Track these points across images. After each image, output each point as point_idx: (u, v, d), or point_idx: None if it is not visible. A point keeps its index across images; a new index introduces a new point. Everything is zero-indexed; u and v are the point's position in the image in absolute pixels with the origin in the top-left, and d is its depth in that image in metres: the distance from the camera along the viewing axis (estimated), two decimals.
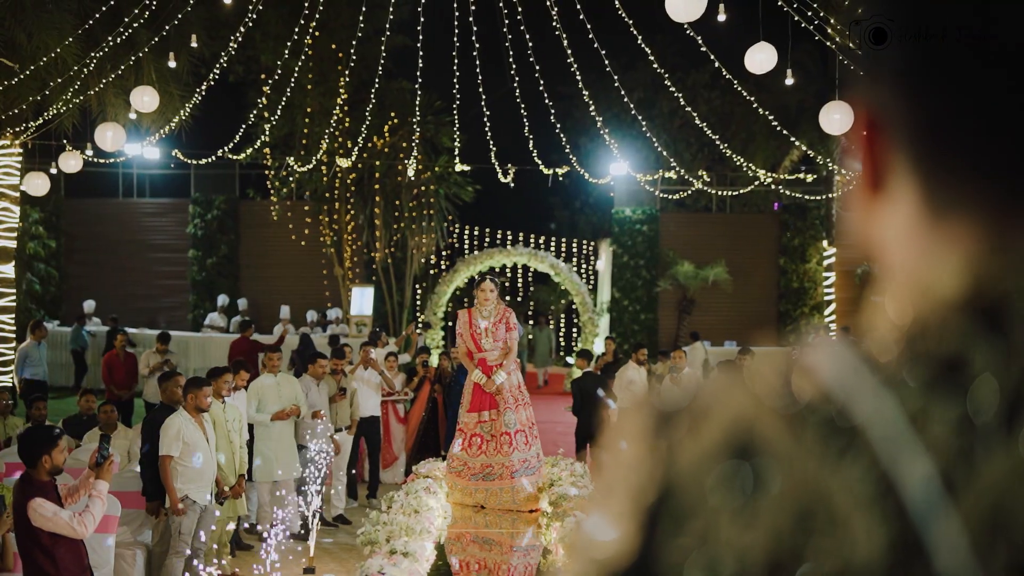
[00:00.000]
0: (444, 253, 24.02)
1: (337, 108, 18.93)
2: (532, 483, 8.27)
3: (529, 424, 8.49)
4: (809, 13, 12.43)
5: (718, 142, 17.46)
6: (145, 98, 11.84)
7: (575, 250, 25.45)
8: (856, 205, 0.72)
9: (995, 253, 0.63)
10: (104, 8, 12.79)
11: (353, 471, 11.08)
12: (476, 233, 24.67)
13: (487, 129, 16.96)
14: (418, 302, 23.31)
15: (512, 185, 18.65)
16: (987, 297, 0.61)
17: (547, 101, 16.15)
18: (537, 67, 15.43)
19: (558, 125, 16.97)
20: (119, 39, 12.90)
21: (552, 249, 24.19)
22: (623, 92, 16.79)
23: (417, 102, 17.85)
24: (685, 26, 11.85)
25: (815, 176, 21.76)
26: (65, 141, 15.90)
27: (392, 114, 21.38)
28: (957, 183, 0.66)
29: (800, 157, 22.15)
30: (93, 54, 12.90)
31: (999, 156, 0.64)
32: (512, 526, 7.84)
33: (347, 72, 18.18)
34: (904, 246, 0.68)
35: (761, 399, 0.60)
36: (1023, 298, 0.61)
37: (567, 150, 17.91)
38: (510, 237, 24.09)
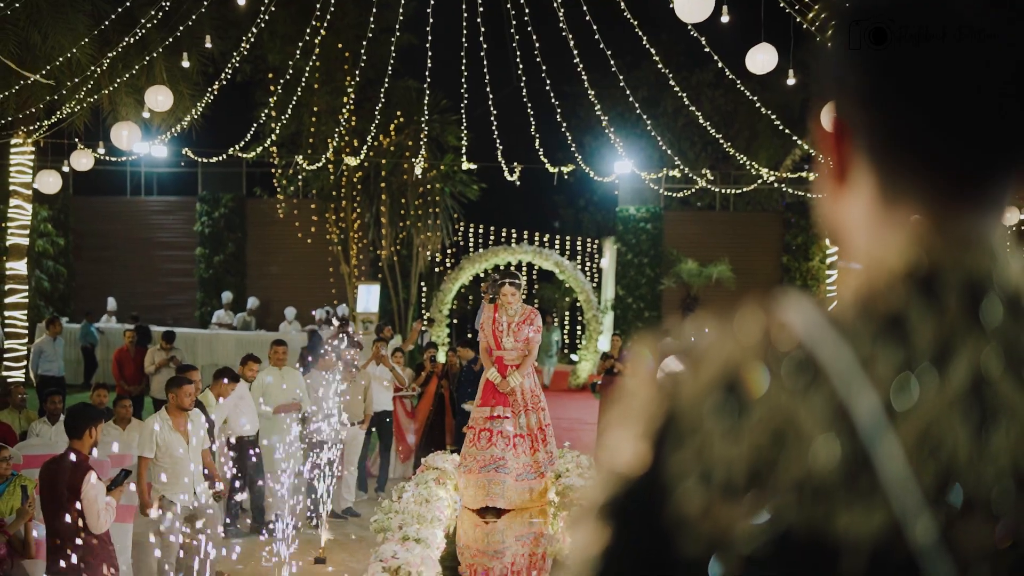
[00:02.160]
0: (449, 251, 24.12)
1: (344, 107, 19.05)
2: (537, 484, 8.22)
3: (539, 427, 8.29)
4: (811, 15, 12.56)
5: (722, 141, 17.56)
6: (160, 97, 12.02)
7: (579, 248, 25.53)
8: (824, 194, 0.89)
9: (933, 235, 0.80)
10: (120, 9, 12.94)
11: (363, 465, 11.25)
12: (481, 231, 24.75)
13: (493, 128, 17.06)
14: (424, 299, 23.43)
15: (517, 183, 18.73)
16: (925, 269, 0.78)
17: (553, 100, 16.25)
18: (543, 66, 15.55)
19: (563, 124, 17.07)
20: (132, 39, 13.05)
21: (557, 247, 24.25)
22: (628, 91, 16.92)
23: (425, 101, 17.94)
24: (689, 26, 11.97)
25: (818, 174, 21.80)
26: (77, 139, 16.04)
27: (399, 113, 21.48)
28: (904, 179, 0.82)
29: (803, 155, 22.25)
30: (108, 54, 13.05)
31: (939, 158, 0.81)
32: (520, 516, 7.97)
33: (356, 71, 18.29)
34: (862, 227, 0.85)
35: (745, 346, 0.77)
36: (953, 270, 0.77)
37: (572, 148, 18.01)
38: (515, 235, 24.16)
